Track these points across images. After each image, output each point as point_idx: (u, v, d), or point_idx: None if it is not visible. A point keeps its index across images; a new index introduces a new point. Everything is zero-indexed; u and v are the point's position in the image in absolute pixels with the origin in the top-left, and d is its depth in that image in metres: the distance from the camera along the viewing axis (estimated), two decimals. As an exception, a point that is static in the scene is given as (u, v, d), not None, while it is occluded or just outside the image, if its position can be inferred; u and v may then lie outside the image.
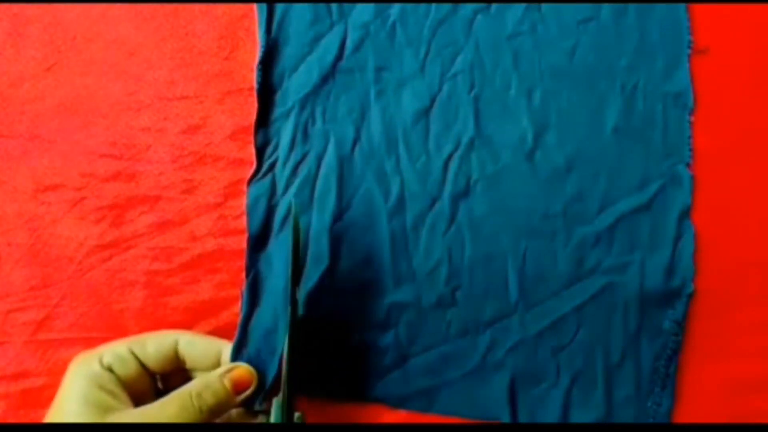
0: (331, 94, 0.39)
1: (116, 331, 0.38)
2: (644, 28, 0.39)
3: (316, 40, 0.39)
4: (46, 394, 0.38)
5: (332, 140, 0.38)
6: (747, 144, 0.39)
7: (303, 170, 0.38)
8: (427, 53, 0.39)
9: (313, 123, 0.38)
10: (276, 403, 0.33)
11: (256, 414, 0.35)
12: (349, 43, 0.39)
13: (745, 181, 0.39)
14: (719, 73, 0.39)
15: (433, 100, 0.38)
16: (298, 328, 0.34)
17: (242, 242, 0.38)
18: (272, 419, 0.33)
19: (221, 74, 0.40)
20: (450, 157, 0.38)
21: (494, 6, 0.39)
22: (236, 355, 0.35)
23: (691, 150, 0.38)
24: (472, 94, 0.38)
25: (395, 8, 0.39)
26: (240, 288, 0.38)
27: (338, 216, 0.38)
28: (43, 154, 0.39)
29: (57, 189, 0.39)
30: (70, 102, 0.40)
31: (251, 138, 0.39)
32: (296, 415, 0.34)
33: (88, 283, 0.39)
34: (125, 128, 0.40)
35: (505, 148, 0.38)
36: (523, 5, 0.39)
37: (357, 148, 0.38)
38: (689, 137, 0.38)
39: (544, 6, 0.39)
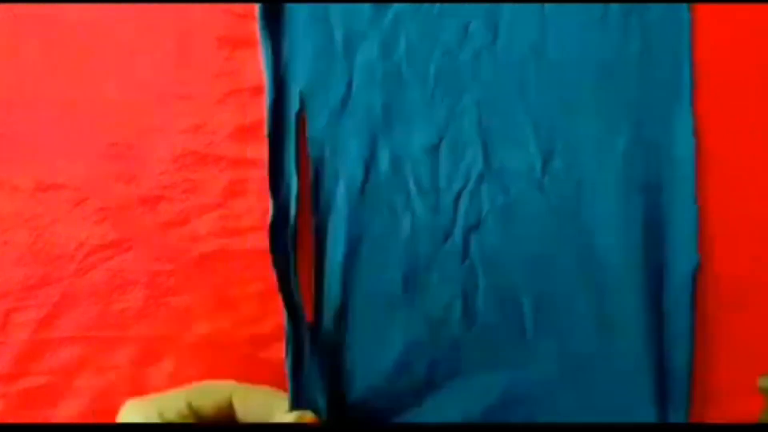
0: (338, 132, 0.38)
1: (117, 330, 0.38)
2: (647, 57, 0.38)
3: (323, 78, 0.39)
4: (46, 393, 0.38)
5: (342, 178, 0.38)
6: (746, 144, 0.39)
7: (316, 213, 0.38)
8: (433, 89, 0.38)
9: (323, 164, 0.38)
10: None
11: None
12: (355, 82, 0.39)
13: (744, 181, 0.39)
14: (722, 69, 0.39)
15: (441, 136, 0.38)
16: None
17: (243, 242, 0.39)
18: None
19: (222, 74, 0.40)
20: (460, 191, 0.38)
21: (499, 41, 0.39)
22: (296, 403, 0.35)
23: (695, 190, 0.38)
24: (480, 128, 0.38)
25: (401, 46, 0.39)
26: (240, 288, 0.38)
27: (350, 254, 0.38)
28: (43, 154, 0.39)
29: (58, 189, 0.39)
30: (70, 102, 0.40)
31: (252, 137, 0.39)
32: None
33: (88, 282, 0.39)
34: (126, 128, 0.39)
35: (514, 180, 0.38)
36: (527, 41, 0.38)
37: (367, 186, 0.38)
38: (693, 168, 0.38)
39: (549, 38, 0.38)
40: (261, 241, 0.38)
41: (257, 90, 0.39)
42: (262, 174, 0.38)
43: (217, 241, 0.39)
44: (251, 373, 0.37)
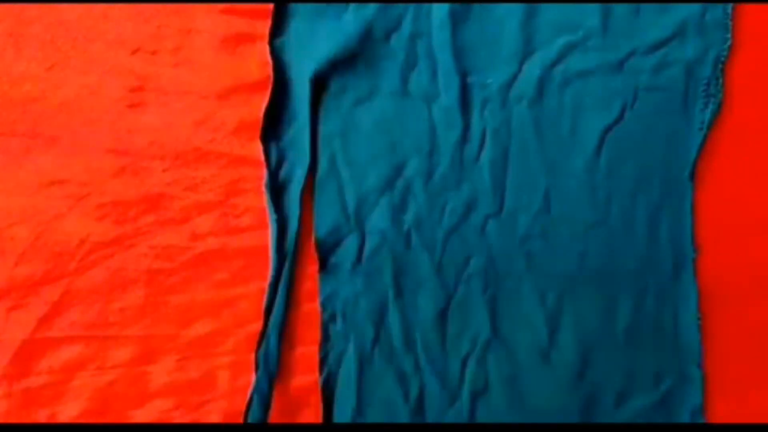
0: (350, 297, 0.39)
1: (117, 329, 0.38)
2: (652, 233, 0.39)
3: (335, 246, 0.39)
4: (47, 393, 0.38)
5: (352, 341, 0.38)
6: (747, 145, 0.39)
7: (324, 370, 0.38)
8: (441, 257, 0.39)
9: (334, 323, 0.39)
10: None
11: None
12: (367, 249, 0.39)
13: (746, 182, 0.39)
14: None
15: (449, 302, 0.39)
16: None
17: (243, 241, 0.39)
18: None
19: (223, 72, 0.40)
20: (467, 356, 0.38)
21: (505, 211, 0.39)
22: None
23: (701, 350, 0.38)
24: (487, 296, 0.39)
25: (410, 215, 0.39)
26: (239, 286, 0.38)
27: (358, 417, 0.38)
28: (46, 151, 0.39)
29: (61, 185, 0.39)
30: (72, 100, 0.40)
31: (253, 134, 0.39)
32: None
33: (89, 280, 0.39)
34: (128, 126, 0.40)
35: (520, 349, 0.38)
36: (533, 211, 0.39)
37: (376, 349, 0.38)
38: (699, 340, 0.38)
39: (554, 210, 0.39)
40: (260, 240, 0.39)
41: (259, 87, 0.39)
42: (262, 173, 0.39)
43: (217, 240, 0.39)
44: (250, 371, 0.37)
